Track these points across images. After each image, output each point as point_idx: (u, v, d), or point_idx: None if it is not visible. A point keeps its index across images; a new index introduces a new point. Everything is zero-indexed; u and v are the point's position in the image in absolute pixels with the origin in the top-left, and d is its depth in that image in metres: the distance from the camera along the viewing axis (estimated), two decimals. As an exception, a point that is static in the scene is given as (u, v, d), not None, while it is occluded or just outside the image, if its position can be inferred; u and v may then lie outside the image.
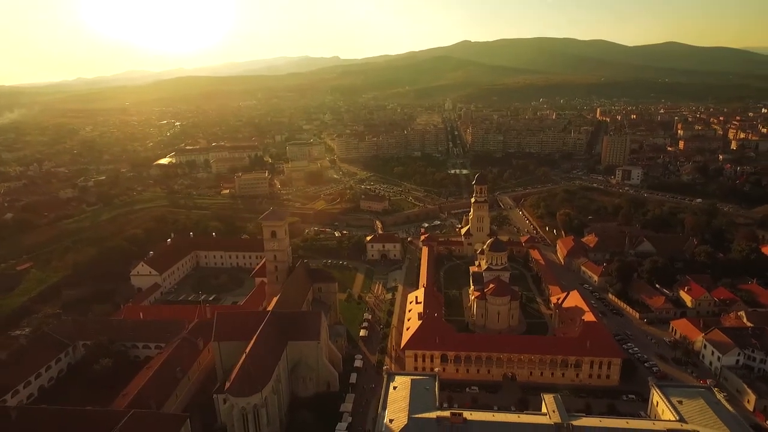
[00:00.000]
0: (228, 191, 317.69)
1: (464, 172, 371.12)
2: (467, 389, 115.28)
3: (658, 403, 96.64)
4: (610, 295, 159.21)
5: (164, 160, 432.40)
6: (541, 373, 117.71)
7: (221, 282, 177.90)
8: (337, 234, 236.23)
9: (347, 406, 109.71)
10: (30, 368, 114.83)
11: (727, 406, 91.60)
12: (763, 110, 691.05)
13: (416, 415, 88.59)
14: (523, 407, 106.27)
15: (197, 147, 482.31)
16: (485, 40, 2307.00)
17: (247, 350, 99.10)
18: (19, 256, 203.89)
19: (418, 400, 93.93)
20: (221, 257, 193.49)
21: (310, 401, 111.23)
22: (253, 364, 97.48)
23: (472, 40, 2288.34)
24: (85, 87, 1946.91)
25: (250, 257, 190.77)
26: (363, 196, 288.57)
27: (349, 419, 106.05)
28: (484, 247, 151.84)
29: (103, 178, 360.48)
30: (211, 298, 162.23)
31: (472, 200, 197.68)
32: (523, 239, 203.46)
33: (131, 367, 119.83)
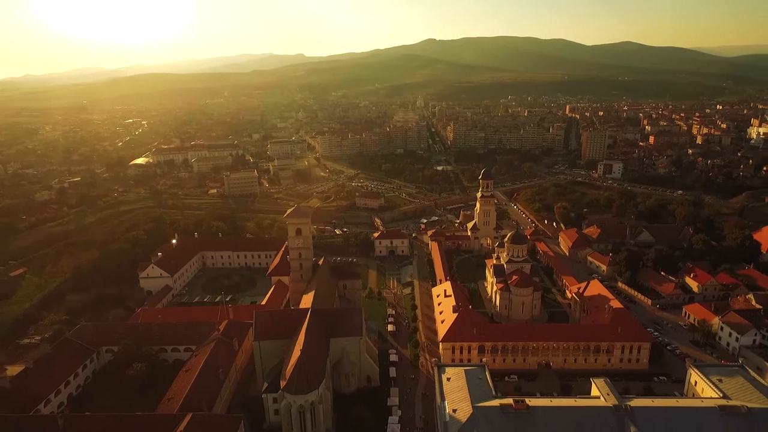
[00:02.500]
0: (215, 191, 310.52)
1: (449, 168, 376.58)
2: (506, 378, 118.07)
3: (696, 382, 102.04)
4: (620, 284, 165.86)
5: (140, 160, 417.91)
6: (575, 360, 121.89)
7: (233, 282, 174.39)
8: (338, 231, 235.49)
9: (394, 399, 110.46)
10: (59, 376, 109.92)
11: (764, 382, 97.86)
12: (718, 107, 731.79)
13: (478, 404, 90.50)
14: (565, 393, 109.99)
15: (173, 146, 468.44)
16: (450, 38, 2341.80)
17: (301, 348, 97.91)
18: (5, 262, 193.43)
19: (475, 389, 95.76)
20: (229, 257, 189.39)
21: (354, 397, 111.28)
22: (307, 361, 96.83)
23: (437, 39, 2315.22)
24: (35, 84, 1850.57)
25: (259, 256, 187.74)
26: (358, 194, 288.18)
27: (399, 412, 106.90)
28: (505, 240, 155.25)
29: (78, 179, 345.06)
30: (227, 299, 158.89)
31: (478, 195, 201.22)
32: (527, 232, 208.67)
33: (162, 371, 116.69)
